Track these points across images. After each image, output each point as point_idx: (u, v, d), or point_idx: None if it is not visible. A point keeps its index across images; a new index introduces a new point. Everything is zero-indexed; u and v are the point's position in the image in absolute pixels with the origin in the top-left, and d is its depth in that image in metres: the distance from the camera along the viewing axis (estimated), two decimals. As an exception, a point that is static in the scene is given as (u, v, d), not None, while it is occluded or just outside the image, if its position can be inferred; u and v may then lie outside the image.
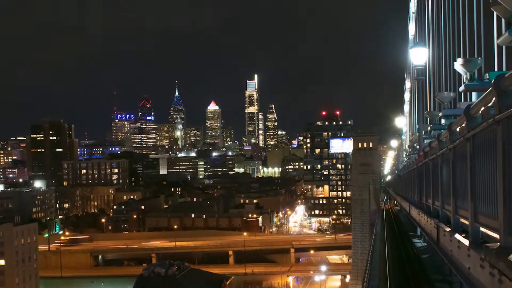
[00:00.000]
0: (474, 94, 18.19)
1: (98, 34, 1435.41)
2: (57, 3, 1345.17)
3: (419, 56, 34.76)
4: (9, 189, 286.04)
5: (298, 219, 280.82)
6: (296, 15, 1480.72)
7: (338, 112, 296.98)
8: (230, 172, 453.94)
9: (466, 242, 10.43)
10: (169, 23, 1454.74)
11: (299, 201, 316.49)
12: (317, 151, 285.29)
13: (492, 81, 7.81)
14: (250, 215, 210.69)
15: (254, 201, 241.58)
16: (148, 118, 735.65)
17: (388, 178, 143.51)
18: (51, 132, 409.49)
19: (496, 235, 8.11)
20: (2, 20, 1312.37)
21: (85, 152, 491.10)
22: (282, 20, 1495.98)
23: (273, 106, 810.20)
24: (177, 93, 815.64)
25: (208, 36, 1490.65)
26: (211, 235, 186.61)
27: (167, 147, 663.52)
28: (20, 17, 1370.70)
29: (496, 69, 26.66)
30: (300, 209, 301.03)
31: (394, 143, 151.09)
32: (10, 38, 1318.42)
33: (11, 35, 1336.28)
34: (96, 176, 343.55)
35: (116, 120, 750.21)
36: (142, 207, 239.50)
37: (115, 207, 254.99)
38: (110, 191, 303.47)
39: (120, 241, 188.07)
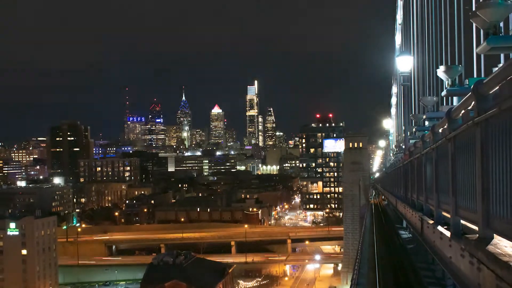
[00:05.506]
0: (455, 99, 18.16)
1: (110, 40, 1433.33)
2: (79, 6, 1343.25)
3: (404, 63, 34.78)
4: (30, 185, 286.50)
5: (294, 213, 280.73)
6: (294, 24, 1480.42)
7: (331, 115, 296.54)
8: (232, 170, 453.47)
9: (447, 233, 10.41)
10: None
11: (295, 196, 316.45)
12: (312, 150, 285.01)
13: (472, 86, 7.80)
14: (250, 209, 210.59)
15: (254, 196, 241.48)
16: (157, 120, 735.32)
17: (377, 175, 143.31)
18: (69, 133, 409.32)
19: (475, 227, 8.10)
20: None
21: (100, 151, 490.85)
22: (281, 28, 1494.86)
23: (271, 109, 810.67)
24: (184, 97, 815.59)
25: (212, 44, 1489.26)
26: (215, 227, 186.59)
27: (174, 146, 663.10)
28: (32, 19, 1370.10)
29: (475, 76, 26.62)
30: (296, 203, 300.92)
31: (382, 143, 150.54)
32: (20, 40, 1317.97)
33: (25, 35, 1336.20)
34: (110, 173, 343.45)
35: (128, 122, 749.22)
36: (152, 201, 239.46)
37: (127, 201, 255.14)
38: (123, 187, 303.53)
39: (132, 233, 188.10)
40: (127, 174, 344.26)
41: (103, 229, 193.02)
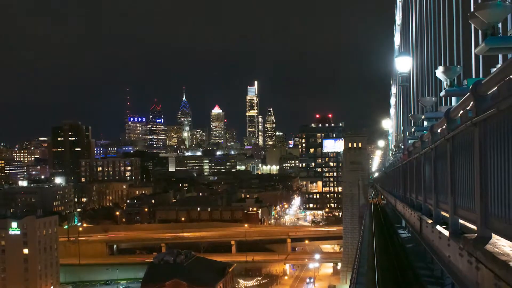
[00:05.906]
0: (453, 99, 18.17)
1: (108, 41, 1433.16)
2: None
3: (403, 64, 34.75)
4: (32, 185, 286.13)
5: (294, 212, 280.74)
6: (294, 24, 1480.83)
7: (330, 115, 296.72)
8: (232, 170, 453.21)
9: (446, 233, 10.42)
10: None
11: (295, 195, 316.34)
12: (312, 150, 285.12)
13: (470, 87, 7.80)
14: (250, 209, 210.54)
15: (254, 195, 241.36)
16: (158, 120, 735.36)
17: (376, 175, 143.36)
18: (70, 133, 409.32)
19: (474, 227, 8.10)
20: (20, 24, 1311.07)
21: (101, 151, 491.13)
22: (280, 28, 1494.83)
23: (271, 109, 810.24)
24: (184, 98, 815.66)
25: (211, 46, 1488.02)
26: (215, 227, 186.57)
27: (175, 146, 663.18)
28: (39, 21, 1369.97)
29: (473, 76, 26.65)
30: (296, 203, 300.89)
31: (381, 143, 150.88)
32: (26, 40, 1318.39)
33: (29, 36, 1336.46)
34: (111, 173, 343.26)
35: (129, 122, 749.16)
36: (153, 201, 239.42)
37: (128, 201, 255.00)
38: (124, 186, 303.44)
39: (133, 232, 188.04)
40: (128, 174, 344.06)
41: (104, 228, 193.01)
